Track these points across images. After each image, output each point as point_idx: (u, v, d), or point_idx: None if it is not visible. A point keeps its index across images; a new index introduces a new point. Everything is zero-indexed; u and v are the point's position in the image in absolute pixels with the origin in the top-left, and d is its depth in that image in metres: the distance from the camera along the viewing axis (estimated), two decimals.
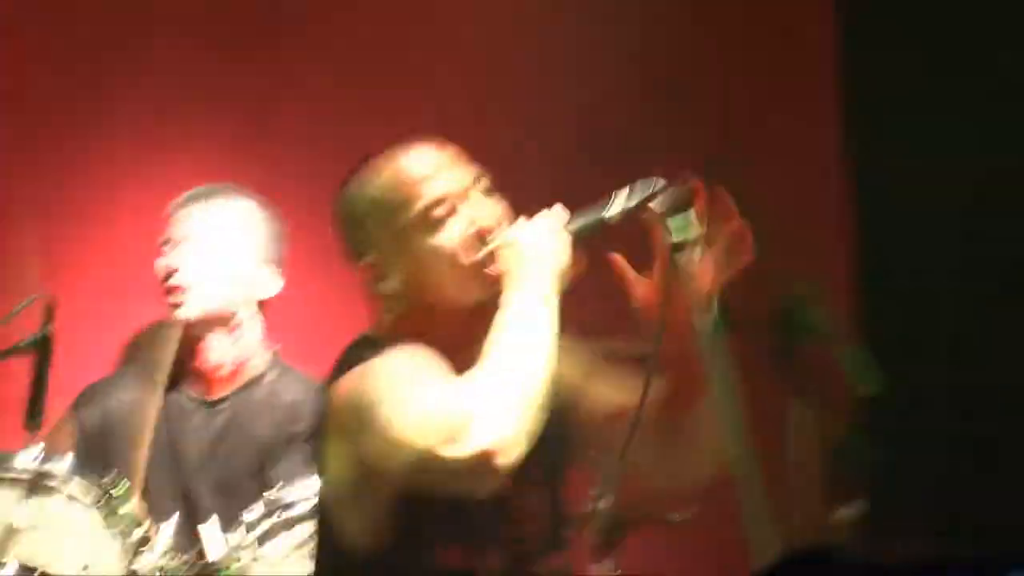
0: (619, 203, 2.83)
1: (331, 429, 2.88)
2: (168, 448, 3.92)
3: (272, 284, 3.96)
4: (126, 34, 4.42)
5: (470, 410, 2.70)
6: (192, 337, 3.92)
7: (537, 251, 2.82)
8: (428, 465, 2.71)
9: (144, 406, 3.94)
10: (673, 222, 2.79)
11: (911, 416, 4.50)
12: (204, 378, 3.93)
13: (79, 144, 4.34)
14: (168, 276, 3.87)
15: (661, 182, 2.80)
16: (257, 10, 4.53)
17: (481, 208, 2.90)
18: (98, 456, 3.87)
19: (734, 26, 4.71)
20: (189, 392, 3.95)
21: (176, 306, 3.86)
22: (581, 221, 2.85)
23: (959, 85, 4.75)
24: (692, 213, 2.78)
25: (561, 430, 2.91)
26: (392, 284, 2.90)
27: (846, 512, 4.24)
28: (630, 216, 2.81)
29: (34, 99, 4.38)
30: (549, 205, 2.88)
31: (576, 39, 4.50)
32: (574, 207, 2.87)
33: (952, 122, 4.74)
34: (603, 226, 2.84)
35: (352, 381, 2.83)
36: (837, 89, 4.79)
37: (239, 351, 3.93)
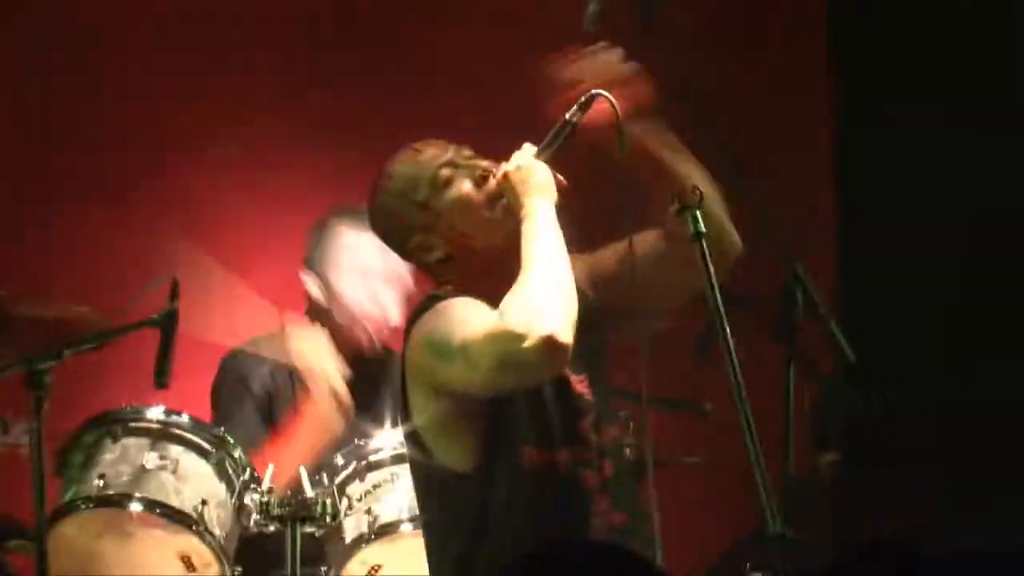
0: (574, 108, 3.36)
1: (412, 372, 3.37)
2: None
3: None
4: None
5: (529, 309, 3.18)
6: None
7: (526, 175, 3.36)
8: (507, 363, 3.18)
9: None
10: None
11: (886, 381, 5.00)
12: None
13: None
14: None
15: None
16: None
17: (476, 161, 3.48)
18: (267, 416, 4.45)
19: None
20: None
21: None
22: (546, 139, 3.38)
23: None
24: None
25: (589, 317, 3.32)
26: (438, 251, 3.45)
27: (828, 457, 4.76)
28: (585, 107, 3.34)
29: None
30: None
31: None
32: None
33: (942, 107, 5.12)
34: (570, 129, 3.37)
35: (423, 326, 3.35)
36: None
37: None
